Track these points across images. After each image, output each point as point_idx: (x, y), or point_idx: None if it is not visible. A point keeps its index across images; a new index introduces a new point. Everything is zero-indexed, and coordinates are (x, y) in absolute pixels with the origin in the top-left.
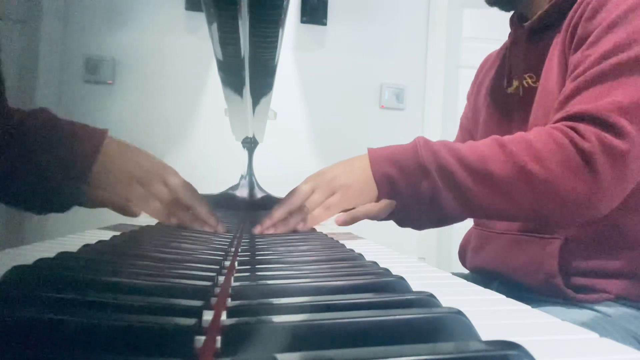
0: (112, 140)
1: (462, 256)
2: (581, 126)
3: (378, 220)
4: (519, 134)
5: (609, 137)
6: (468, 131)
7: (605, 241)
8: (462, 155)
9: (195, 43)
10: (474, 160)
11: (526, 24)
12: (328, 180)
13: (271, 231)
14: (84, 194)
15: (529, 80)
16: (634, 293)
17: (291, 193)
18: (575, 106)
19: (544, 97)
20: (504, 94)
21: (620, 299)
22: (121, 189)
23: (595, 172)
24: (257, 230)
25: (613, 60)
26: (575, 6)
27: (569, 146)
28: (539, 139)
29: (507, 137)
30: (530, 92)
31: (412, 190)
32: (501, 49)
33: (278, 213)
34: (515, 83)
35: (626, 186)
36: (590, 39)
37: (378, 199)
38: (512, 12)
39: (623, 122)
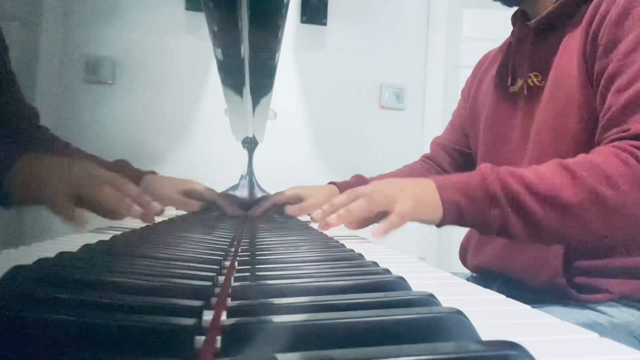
0: (28, 155)
1: (463, 256)
2: None
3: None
4: (581, 157)
5: None
6: (461, 127)
7: None
8: (530, 183)
9: (195, 43)
10: (544, 188)
11: (531, 22)
12: (398, 188)
13: (332, 219)
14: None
15: (534, 79)
16: (636, 293)
17: (355, 188)
18: (632, 125)
19: (554, 98)
20: (507, 92)
21: (623, 299)
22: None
23: None
24: (315, 214)
25: None
26: (592, 7)
27: (638, 166)
28: (605, 160)
29: (571, 161)
30: (536, 91)
31: (481, 218)
32: (502, 46)
33: (342, 198)
34: (519, 82)
35: None
36: (624, 46)
37: (442, 223)
38: (514, 10)
39: None
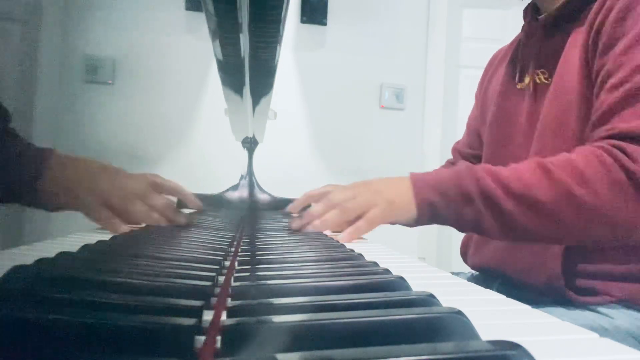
0: (59, 155)
1: (464, 253)
2: (627, 146)
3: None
4: (561, 155)
5: None
6: (476, 132)
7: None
8: (506, 181)
9: (195, 43)
10: (519, 187)
11: (540, 18)
12: (373, 190)
13: (309, 227)
14: (39, 202)
15: (541, 77)
16: (636, 296)
17: (331, 193)
18: (619, 124)
19: (558, 95)
20: (514, 89)
21: (622, 302)
22: (75, 198)
23: None
24: (295, 224)
25: None
26: (597, 4)
27: (617, 168)
28: (583, 160)
29: (549, 160)
30: (542, 89)
31: (455, 216)
32: (512, 43)
33: (318, 208)
34: (527, 79)
35: None
36: (622, 44)
37: (417, 222)
38: (514, 10)
39: None
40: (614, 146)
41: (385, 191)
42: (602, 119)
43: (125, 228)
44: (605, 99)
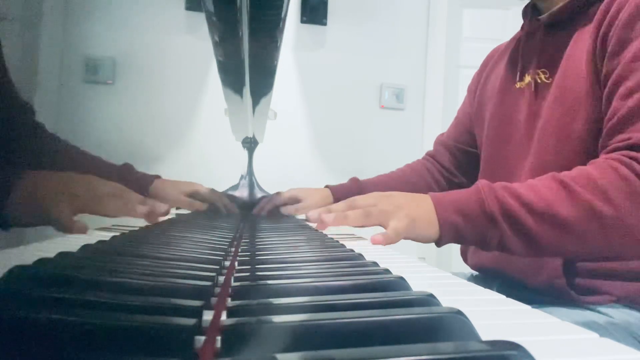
0: (26, 173)
1: (464, 253)
2: None
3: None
4: (578, 169)
5: None
6: (465, 127)
7: None
8: (527, 199)
9: (195, 43)
10: (540, 205)
11: (542, 17)
12: (394, 204)
13: (328, 219)
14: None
15: (542, 76)
16: (637, 295)
17: (353, 197)
18: (635, 134)
19: (561, 95)
20: (514, 88)
21: (623, 301)
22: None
23: None
24: (313, 217)
25: None
26: (604, 6)
27: (636, 180)
28: (602, 174)
29: (567, 174)
30: (543, 89)
31: (479, 237)
32: (511, 41)
33: (339, 206)
34: (527, 78)
35: None
36: (633, 49)
37: (439, 243)
38: (514, 10)
39: None
40: (631, 157)
41: (407, 207)
42: (616, 128)
43: (85, 230)
44: (619, 106)
